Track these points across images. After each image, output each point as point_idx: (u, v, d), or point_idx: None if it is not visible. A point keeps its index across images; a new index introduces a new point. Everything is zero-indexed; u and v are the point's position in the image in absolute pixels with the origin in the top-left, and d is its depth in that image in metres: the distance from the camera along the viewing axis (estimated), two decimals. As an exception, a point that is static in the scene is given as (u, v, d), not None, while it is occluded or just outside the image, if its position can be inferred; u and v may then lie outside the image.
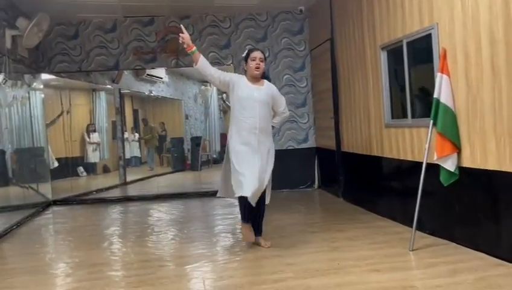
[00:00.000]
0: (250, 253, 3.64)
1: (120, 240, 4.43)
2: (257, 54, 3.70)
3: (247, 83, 3.70)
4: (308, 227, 4.52)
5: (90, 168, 9.64)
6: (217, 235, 4.44)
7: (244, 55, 3.78)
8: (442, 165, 3.43)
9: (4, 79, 5.22)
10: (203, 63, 3.66)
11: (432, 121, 3.50)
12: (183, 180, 10.16)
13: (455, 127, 3.42)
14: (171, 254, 3.81)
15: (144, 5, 6.39)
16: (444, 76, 3.40)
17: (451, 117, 3.40)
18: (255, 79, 3.72)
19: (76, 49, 6.96)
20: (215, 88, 12.21)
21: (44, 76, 6.91)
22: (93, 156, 9.55)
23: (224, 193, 3.92)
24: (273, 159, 3.75)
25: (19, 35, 5.51)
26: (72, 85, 8.58)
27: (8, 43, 5.35)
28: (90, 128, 9.10)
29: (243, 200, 3.58)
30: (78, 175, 9.11)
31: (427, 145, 3.56)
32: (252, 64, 3.67)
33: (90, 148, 9.54)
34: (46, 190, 6.83)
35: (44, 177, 6.89)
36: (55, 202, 6.80)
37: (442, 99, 3.39)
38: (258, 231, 3.79)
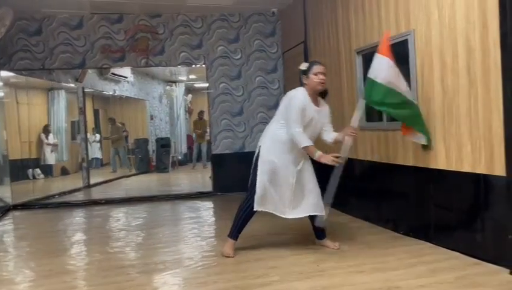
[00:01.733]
0: (230, 257, 3.59)
1: (89, 246, 4.25)
2: (320, 68, 3.51)
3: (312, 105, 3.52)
4: (283, 229, 4.52)
5: (48, 171, 9.23)
6: (191, 239, 4.35)
7: (304, 68, 3.56)
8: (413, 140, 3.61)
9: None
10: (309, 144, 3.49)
11: (363, 100, 3.58)
12: (149, 182, 9.94)
13: (407, 109, 3.48)
14: (147, 260, 3.68)
15: (113, 2, 6.19)
16: (385, 58, 3.37)
17: (394, 95, 3.38)
18: (315, 95, 3.54)
19: (39, 46, 6.63)
20: (180, 89, 12.10)
21: (2, 73, 6.56)
22: (50, 158, 9.15)
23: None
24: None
25: (-21, 29, 5.18)
26: (29, 84, 8.19)
27: (-33, 38, 5.02)
28: (48, 129, 8.70)
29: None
30: (34, 178, 8.70)
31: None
32: (316, 79, 3.48)
33: (47, 149, 9.13)
34: (5, 193, 6.46)
35: (2, 179, 6.52)
36: (15, 207, 6.44)
37: (379, 79, 3.36)
38: (320, 234, 3.78)
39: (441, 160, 3.51)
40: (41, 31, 6.63)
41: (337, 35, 5.15)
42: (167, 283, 3.12)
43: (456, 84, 3.30)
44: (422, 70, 3.68)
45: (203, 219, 5.53)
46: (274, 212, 3.57)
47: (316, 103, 3.55)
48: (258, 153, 3.60)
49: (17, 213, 6.23)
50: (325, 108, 3.65)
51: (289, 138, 3.47)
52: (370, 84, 3.44)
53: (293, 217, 3.61)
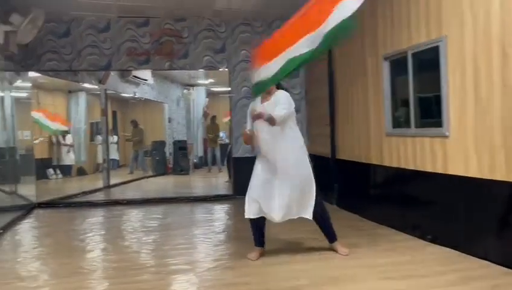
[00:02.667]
0: (257, 259, 3.61)
1: (109, 245, 4.31)
2: None
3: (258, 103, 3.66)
4: (308, 234, 4.51)
5: (66, 171, 9.37)
6: (218, 240, 4.38)
7: None
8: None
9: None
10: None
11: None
12: (166, 184, 10.03)
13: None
14: (177, 260, 3.71)
15: (140, 6, 6.29)
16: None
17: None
18: (267, 95, 3.60)
19: (66, 47, 6.76)
20: (197, 92, 12.19)
21: (31, 74, 6.71)
22: (66, 158, 9.25)
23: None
24: None
25: (12, 31, 5.30)
26: (51, 85, 8.34)
27: (0, 39, 5.15)
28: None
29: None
30: (49, 177, 8.83)
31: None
32: None
33: (64, 149, 9.26)
34: (28, 191, 6.58)
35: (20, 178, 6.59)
36: (40, 205, 6.56)
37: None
38: (330, 238, 3.77)
39: (473, 168, 3.48)
40: (70, 33, 6.76)
41: (363, 42, 5.15)
42: (194, 283, 3.14)
43: (490, 92, 3.28)
44: (454, 78, 3.66)
45: (222, 222, 5.57)
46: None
47: (266, 100, 3.59)
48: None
49: (41, 211, 6.34)
50: (274, 98, 3.57)
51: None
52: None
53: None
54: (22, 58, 6.29)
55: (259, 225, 3.66)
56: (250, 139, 3.67)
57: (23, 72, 6.41)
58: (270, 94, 3.59)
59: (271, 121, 3.42)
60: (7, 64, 5.56)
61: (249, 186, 3.63)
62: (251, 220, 3.63)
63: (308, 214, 3.57)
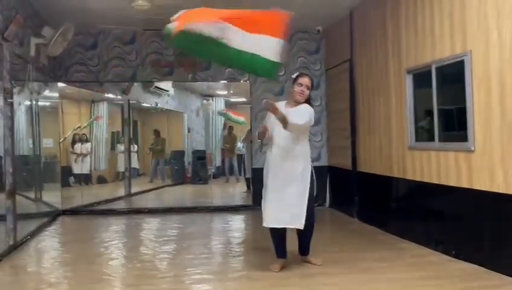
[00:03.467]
0: (282, 270, 3.62)
1: (130, 253, 4.38)
2: (305, 81, 3.68)
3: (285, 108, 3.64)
4: (331, 247, 4.52)
5: (82, 179, 9.45)
6: (238, 251, 4.41)
7: (293, 76, 3.76)
8: None
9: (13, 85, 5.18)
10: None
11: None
12: (185, 194, 10.12)
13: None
14: (199, 270, 3.76)
15: (165, 19, 6.42)
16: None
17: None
18: (295, 104, 3.68)
19: (94, 59, 6.97)
20: (217, 103, 12.33)
21: (60, 84, 6.92)
22: (76, 167, 9.22)
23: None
24: None
25: (43, 43, 5.50)
26: (75, 95, 8.55)
27: (33, 51, 5.35)
28: (75, 139, 8.62)
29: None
30: (70, 185, 8.93)
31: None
32: (297, 88, 3.65)
33: (73, 158, 9.27)
34: (56, 199, 6.74)
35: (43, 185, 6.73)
36: (65, 212, 6.71)
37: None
38: (305, 249, 3.80)
39: (499, 183, 3.44)
40: (97, 45, 6.97)
41: (386, 54, 5.17)
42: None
43: (517, 107, 3.26)
44: (479, 93, 3.64)
45: (241, 232, 5.60)
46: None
47: (292, 107, 3.63)
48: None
49: (66, 218, 6.48)
50: (298, 107, 3.63)
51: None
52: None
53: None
54: (51, 69, 6.50)
55: (280, 235, 3.67)
56: (264, 134, 3.65)
57: (52, 82, 6.61)
58: (297, 103, 3.66)
59: (283, 121, 3.43)
60: (37, 75, 5.76)
61: (265, 197, 3.64)
62: (271, 230, 3.64)
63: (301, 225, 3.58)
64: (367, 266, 3.74)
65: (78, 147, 8.87)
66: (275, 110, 3.42)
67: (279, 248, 3.69)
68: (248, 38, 3.18)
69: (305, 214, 3.54)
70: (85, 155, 9.15)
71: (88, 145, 9.09)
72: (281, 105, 3.65)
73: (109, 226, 5.89)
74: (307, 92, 3.66)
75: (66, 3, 5.54)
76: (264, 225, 3.60)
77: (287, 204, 3.52)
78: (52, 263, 4.11)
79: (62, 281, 3.56)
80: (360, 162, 6.01)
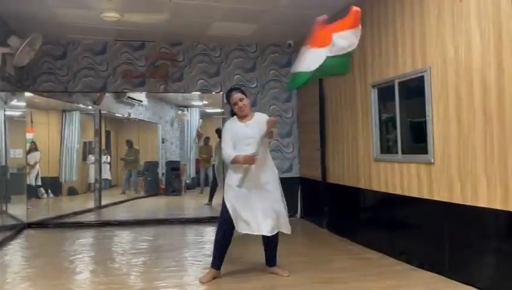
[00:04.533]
0: (246, 282, 3.65)
1: (98, 267, 4.30)
2: (236, 97, 3.79)
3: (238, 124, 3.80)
4: (297, 257, 4.57)
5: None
6: (208, 263, 4.38)
7: (225, 101, 3.96)
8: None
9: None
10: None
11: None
12: (158, 205, 10.02)
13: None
14: (166, 283, 3.74)
15: (137, 30, 6.45)
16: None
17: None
18: (245, 117, 3.82)
19: (63, 69, 6.88)
20: (192, 113, 12.33)
21: (28, 94, 6.78)
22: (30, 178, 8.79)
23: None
24: None
25: (9, 53, 5.41)
26: (46, 105, 8.38)
27: (-1, 61, 5.26)
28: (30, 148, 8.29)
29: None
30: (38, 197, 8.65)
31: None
32: (235, 108, 3.80)
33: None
34: (21, 211, 6.56)
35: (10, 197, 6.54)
36: (30, 225, 6.53)
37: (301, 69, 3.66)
38: (272, 261, 3.85)
39: (457, 196, 3.57)
40: (66, 55, 6.89)
41: (353, 68, 5.30)
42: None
43: (472, 121, 3.41)
44: (438, 107, 3.80)
45: (212, 244, 5.55)
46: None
47: (247, 120, 3.79)
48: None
49: (31, 231, 6.31)
50: (258, 118, 3.82)
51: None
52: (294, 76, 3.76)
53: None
54: (18, 79, 6.38)
55: (226, 245, 3.73)
56: (252, 161, 3.61)
57: (19, 92, 6.49)
58: (247, 116, 3.80)
59: (271, 136, 3.74)
60: (4, 84, 5.65)
61: (229, 207, 3.66)
62: (220, 239, 3.71)
63: (288, 230, 3.75)
64: (332, 276, 3.81)
65: (30, 157, 8.30)
66: (272, 126, 3.70)
67: (220, 257, 3.76)
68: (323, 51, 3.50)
69: (287, 220, 3.76)
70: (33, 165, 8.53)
71: (36, 154, 8.50)
72: (235, 123, 3.81)
73: (77, 239, 5.76)
74: (245, 102, 3.80)
75: (34, 13, 5.47)
76: (245, 232, 3.63)
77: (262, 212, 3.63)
78: (14, 278, 4.00)
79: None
80: (329, 173, 6.12)
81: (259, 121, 3.78)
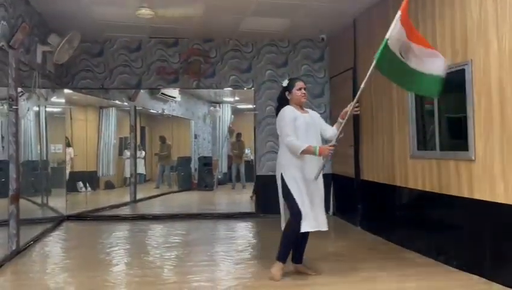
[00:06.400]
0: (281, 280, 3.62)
1: (133, 260, 4.39)
2: (301, 83, 3.80)
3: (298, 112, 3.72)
4: (331, 255, 4.50)
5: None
6: (240, 258, 4.40)
7: (285, 85, 3.82)
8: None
9: (21, 92, 5.26)
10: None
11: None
12: (191, 200, 10.15)
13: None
14: (199, 277, 3.76)
15: (170, 27, 6.52)
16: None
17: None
18: (301, 108, 3.79)
19: (100, 66, 7.07)
20: (224, 109, 12.41)
21: (67, 91, 7.01)
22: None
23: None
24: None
25: (49, 51, 5.60)
26: (83, 101, 8.64)
27: (39, 59, 5.44)
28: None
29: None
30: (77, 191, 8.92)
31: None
32: (298, 94, 3.75)
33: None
34: (60, 204, 6.80)
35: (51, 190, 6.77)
36: (69, 217, 6.77)
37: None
38: (300, 258, 3.79)
39: (499, 194, 3.41)
40: (103, 53, 7.07)
41: (389, 63, 5.15)
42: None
43: (517, 116, 3.24)
44: (480, 101, 3.63)
45: (244, 239, 5.58)
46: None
47: (303, 112, 3.78)
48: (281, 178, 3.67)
49: (70, 224, 6.54)
50: (313, 113, 3.91)
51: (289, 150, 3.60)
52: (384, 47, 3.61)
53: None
54: (58, 76, 6.61)
55: (298, 240, 3.66)
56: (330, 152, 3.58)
57: (59, 89, 6.72)
58: (303, 109, 3.81)
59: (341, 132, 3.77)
60: (44, 82, 5.85)
61: (297, 201, 3.54)
62: (297, 231, 3.54)
63: (326, 227, 3.68)
64: (366, 275, 3.72)
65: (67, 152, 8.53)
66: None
67: (295, 251, 3.73)
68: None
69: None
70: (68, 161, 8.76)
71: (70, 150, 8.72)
72: (291, 110, 3.68)
73: (113, 232, 5.93)
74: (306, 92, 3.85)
75: (73, 12, 5.64)
76: (308, 229, 3.54)
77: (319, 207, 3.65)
78: (53, 268, 4.15)
79: (62, 286, 3.59)
80: (363, 171, 5.99)
81: (313, 116, 3.83)
